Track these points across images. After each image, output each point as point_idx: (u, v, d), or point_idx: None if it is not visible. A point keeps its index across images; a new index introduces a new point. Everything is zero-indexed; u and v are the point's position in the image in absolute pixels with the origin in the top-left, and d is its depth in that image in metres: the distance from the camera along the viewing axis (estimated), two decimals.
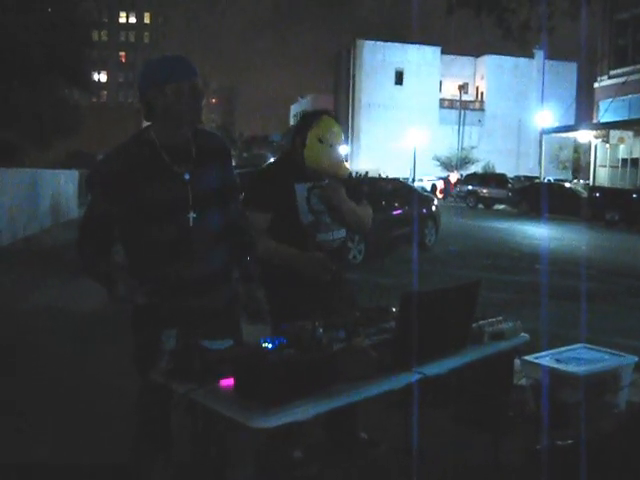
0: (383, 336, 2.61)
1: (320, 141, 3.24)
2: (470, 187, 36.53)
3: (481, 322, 2.96)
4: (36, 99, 20.69)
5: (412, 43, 69.04)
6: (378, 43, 69.95)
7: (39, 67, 19.34)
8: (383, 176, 34.47)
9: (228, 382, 2.31)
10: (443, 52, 71.67)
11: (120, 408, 3.61)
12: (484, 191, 35.55)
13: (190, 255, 2.65)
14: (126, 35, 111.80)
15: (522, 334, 3.14)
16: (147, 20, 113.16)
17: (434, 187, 45.93)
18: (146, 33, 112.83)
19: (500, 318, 3.10)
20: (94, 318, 7.30)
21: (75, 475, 3.69)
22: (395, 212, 14.02)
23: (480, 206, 35.08)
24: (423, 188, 44.50)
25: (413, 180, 47.47)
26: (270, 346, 2.53)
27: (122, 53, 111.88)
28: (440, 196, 41.17)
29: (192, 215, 2.63)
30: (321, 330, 2.62)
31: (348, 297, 3.51)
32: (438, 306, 2.53)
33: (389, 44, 69.99)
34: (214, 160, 2.73)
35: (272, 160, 3.73)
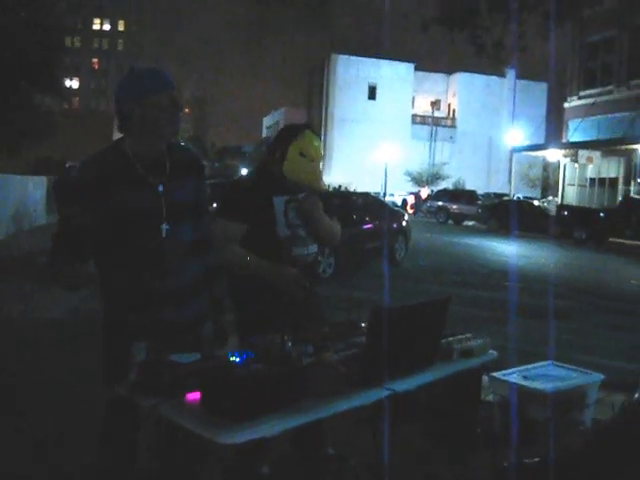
0: (352, 351, 2.59)
1: (302, 155, 3.22)
2: (440, 203, 36.76)
3: (450, 339, 2.95)
4: (5, 104, 20.42)
5: (386, 59, 69.53)
6: (352, 58, 70.36)
7: (10, 71, 19.10)
8: (354, 190, 34.70)
9: (195, 396, 2.28)
10: (416, 68, 72.31)
11: (86, 418, 3.54)
12: (454, 207, 35.78)
13: (162, 267, 2.63)
14: (99, 42, 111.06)
15: (491, 351, 3.14)
16: (121, 27, 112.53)
17: (405, 202, 46.16)
18: (120, 40, 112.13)
19: (469, 335, 3.10)
20: (64, 326, 7.20)
21: None
22: (366, 226, 14.05)
23: (450, 222, 35.30)
24: (394, 203, 44.81)
25: (384, 195, 47.71)
26: (238, 360, 2.50)
27: (95, 60, 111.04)
28: (411, 211, 41.36)
29: (165, 227, 2.61)
30: (290, 344, 2.60)
31: (317, 311, 3.49)
32: (408, 321, 2.52)
33: (363, 59, 70.41)
34: (188, 174, 2.73)
35: (248, 171, 3.70)
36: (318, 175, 3.31)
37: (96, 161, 2.64)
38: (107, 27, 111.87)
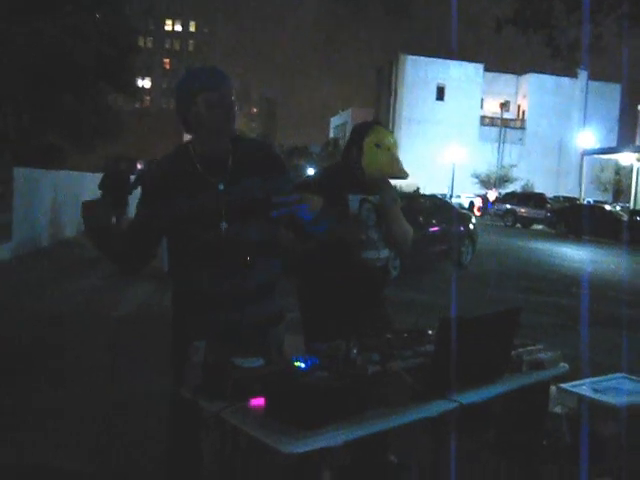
0: (419, 360, 2.53)
1: (378, 146, 3.25)
2: (508, 206, 36.12)
3: (520, 350, 2.87)
4: (81, 104, 21.00)
5: (455, 59, 68.82)
6: (421, 58, 69.93)
7: (85, 72, 19.62)
8: (421, 192, 34.38)
9: (259, 402, 2.26)
10: (486, 69, 71.39)
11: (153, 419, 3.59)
12: (522, 210, 35.12)
13: (222, 266, 2.61)
14: (171, 42, 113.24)
15: (562, 364, 3.04)
16: (192, 28, 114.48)
17: (472, 204, 45.59)
18: (191, 41, 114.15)
19: (540, 346, 3.01)
20: (134, 323, 7.35)
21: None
22: (432, 229, 13.91)
23: (518, 225, 34.66)
24: (460, 205, 44.27)
25: (451, 197, 47.20)
26: (303, 366, 2.47)
27: (166, 60, 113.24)
28: (478, 214, 40.79)
29: (224, 225, 2.59)
30: (355, 351, 2.56)
31: (384, 317, 3.44)
32: (477, 332, 2.45)
33: (432, 59, 69.91)
34: (256, 171, 2.65)
35: (315, 171, 3.70)
36: (398, 163, 3.31)
37: (161, 163, 2.68)
38: (178, 28, 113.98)
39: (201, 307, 2.65)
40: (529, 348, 2.94)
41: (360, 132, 3.32)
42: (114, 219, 2.76)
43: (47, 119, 19.84)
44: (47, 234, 14.68)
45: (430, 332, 2.88)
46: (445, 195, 43.37)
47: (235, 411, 2.21)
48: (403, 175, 3.33)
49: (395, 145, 3.33)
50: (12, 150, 16.40)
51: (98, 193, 13.57)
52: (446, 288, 11.38)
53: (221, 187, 2.60)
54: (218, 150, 2.62)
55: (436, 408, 2.32)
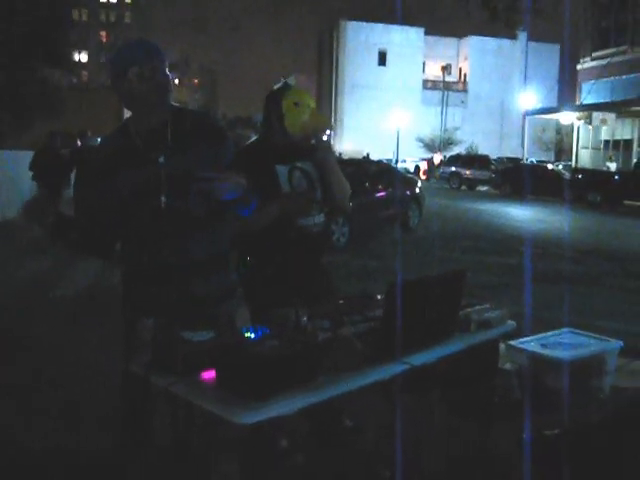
0: (368, 325, 2.55)
1: (296, 105, 3.21)
2: (453, 168, 36.45)
3: (468, 310, 2.91)
4: (15, 79, 20.37)
5: (395, 24, 68.73)
6: (361, 23, 69.65)
7: (19, 46, 19.01)
8: (367, 158, 34.50)
9: (210, 375, 2.25)
10: (426, 33, 71.47)
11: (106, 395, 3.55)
12: (467, 172, 35.50)
13: (165, 241, 2.58)
14: (107, 14, 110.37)
15: (509, 322, 3.10)
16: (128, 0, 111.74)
17: (417, 168, 45.89)
18: (127, 13, 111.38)
19: (487, 306, 3.05)
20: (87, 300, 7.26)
21: (57, 462, 3.64)
22: (379, 194, 13.97)
23: (463, 187, 35.06)
24: (406, 169, 44.53)
25: (396, 161, 47.44)
26: (253, 336, 2.46)
27: (103, 33, 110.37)
28: (424, 177, 41.11)
29: (163, 198, 2.55)
30: (305, 319, 2.56)
31: (329, 284, 3.44)
32: (424, 295, 2.47)
33: (372, 24, 69.68)
34: (198, 141, 2.61)
35: (242, 149, 3.64)
36: (321, 116, 3.35)
37: (102, 144, 2.69)
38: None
39: (148, 282, 2.63)
40: (477, 308, 2.99)
41: (275, 98, 3.28)
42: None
43: None
44: None
45: (379, 297, 2.90)
46: (390, 160, 43.51)
47: (186, 384, 2.20)
48: (328, 125, 3.38)
49: (312, 101, 3.32)
50: None
51: (29, 175, 12.15)
52: (394, 252, 11.48)
53: (161, 160, 2.56)
54: (155, 124, 2.58)
55: (387, 371, 2.35)
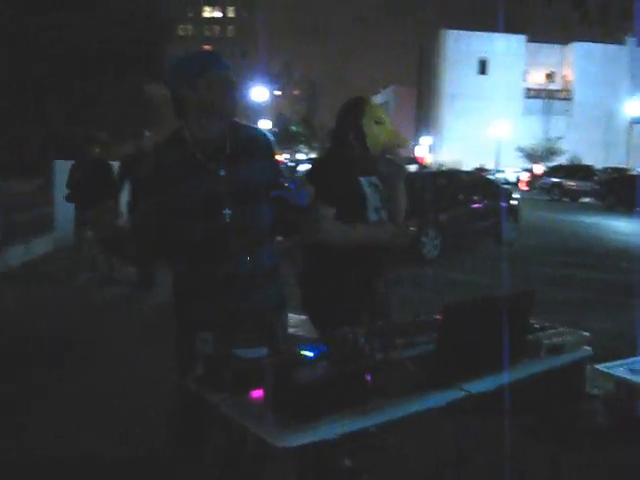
0: (424, 349, 2.43)
1: (377, 123, 3.24)
2: (555, 179, 35.28)
3: (540, 334, 2.73)
4: (119, 94, 21.18)
5: (496, 32, 67.49)
6: (461, 32, 68.79)
7: (121, 63, 19.76)
8: (464, 169, 33.94)
9: (259, 394, 2.20)
10: (528, 40, 69.81)
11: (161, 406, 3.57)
12: (569, 183, 34.26)
13: (227, 253, 2.55)
14: (211, 29, 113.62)
15: (585, 347, 2.88)
16: (231, 14, 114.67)
17: (518, 179, 44.79)
18: (230, 27, 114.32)
19: (562, 329, 2.87)
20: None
21: (111, 466, 3.69)
22: (473, 206, 13.68)
23: (565, 199, 33.91)
24: (506, 180, 43.51)
25: (496, 172, 46.49)
26: (310, 355, 2.40)
27: (207, 47, 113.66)
28: (524, 188, 40.04)
29: (227, 212, 2.52)
30: (363, 340, 2.47)
31: (380, 306, 3.34)
32: (485, 317, 2.33)
33: (472, 33, 68.68)
34: (253, 154, 2.62)
35: (316, 161, 3.65)
36: (400, 134, 3.35)
37: (154, 155, 2.62)
38: (218, 14, 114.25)
39: (207, 296, 2.59)
40: (550, 332, 2.80)
41: (353, 114, 3.26)
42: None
43: (84, 110, 20.08)
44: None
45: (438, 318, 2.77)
46: (490, 171, 42.75)
47: (235, 403, 2.16)
48: (407, 143, 3.42)
49: (387, 115, 3.34)
50: (53, 142, 16.59)
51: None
52: (487, 267, 11.16)
53: (222, 172, 2.53)
54: (216, 135, 2.56)
55: (442, 398, 2.22)
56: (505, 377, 2.37)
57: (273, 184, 2.60)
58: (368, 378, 2.19)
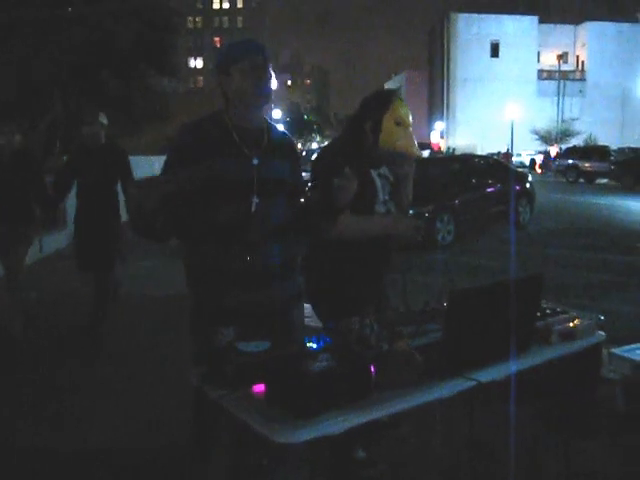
0: (431, 337, 2.37)
1: (397, 124, 3.10)
2: (570, 161, 34.93)
3: (550, 320, 2.65)
4: (125, 87, 21.13)
5: (507, 14, 66.89)
6: (472, 15, 68.21)
7: (127, 56, 19.72)
8: (478, 153, 33.72)
9: (260, 389, 2.14)
10: (541, 21, 69.13)
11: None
12: (585, 165, 33.90)
13: (249, 242, 2.53)
14: (220, 20, 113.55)
15: (598, 332, 2.80)
16: (240, 5, 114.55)
17: (533, 162, 44.45)
18: (240, 17, 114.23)
19: (574, 314, 2.79)
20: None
21: (132, 459, 3.68)
22: (486, 190, 13.57)
23: (581, 180, 33.59)
24: (521, 163, 43.20)
25: (511, 155, 46.17)
26: (315, 346, 2.35)
27: (217, 38, 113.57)
28: (539, 171, 39.78)
29: (255, 200, 2.53)
30: (369, 330, 2.42)
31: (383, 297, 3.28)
32: (492, 304, 2.26)
33: (484, 16, 68.09)
34: (284, 154, 2.68)
35: (328, 148, 3.52)
36: (414, 141, 3.18)
37: (195, 127, 2.60)
38: (226, 5, 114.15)
39: (228, 289, 2.54)
40: (561, 317, 2.73)
41: (378, 106, 3.13)
42: None
43: (92, 105, 20.08)
44: None
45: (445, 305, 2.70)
46: (499, 154, 42.45)
47: (235, 398, 2.11)
48: (417, 154, 3.20)
49: (410, 120, 3.16)
50: (62, 137, 16.57)
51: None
52: (502, 250, 11.05)
53: (255, 161, 2.56)
54: (253, 125, 2.61)
55: (450, 388, 2.16)
56: (513, 365, 2.30)
57: (296, 185, 2.71)
58: (373, 370, 2.14)
